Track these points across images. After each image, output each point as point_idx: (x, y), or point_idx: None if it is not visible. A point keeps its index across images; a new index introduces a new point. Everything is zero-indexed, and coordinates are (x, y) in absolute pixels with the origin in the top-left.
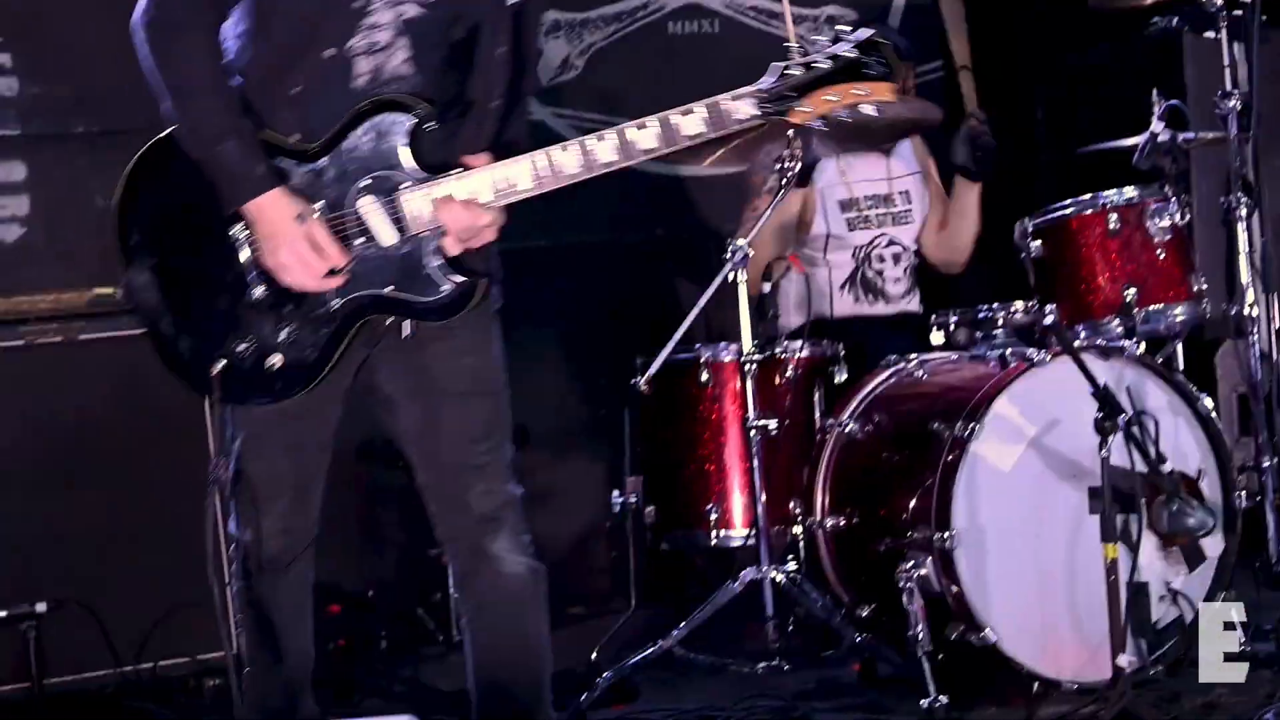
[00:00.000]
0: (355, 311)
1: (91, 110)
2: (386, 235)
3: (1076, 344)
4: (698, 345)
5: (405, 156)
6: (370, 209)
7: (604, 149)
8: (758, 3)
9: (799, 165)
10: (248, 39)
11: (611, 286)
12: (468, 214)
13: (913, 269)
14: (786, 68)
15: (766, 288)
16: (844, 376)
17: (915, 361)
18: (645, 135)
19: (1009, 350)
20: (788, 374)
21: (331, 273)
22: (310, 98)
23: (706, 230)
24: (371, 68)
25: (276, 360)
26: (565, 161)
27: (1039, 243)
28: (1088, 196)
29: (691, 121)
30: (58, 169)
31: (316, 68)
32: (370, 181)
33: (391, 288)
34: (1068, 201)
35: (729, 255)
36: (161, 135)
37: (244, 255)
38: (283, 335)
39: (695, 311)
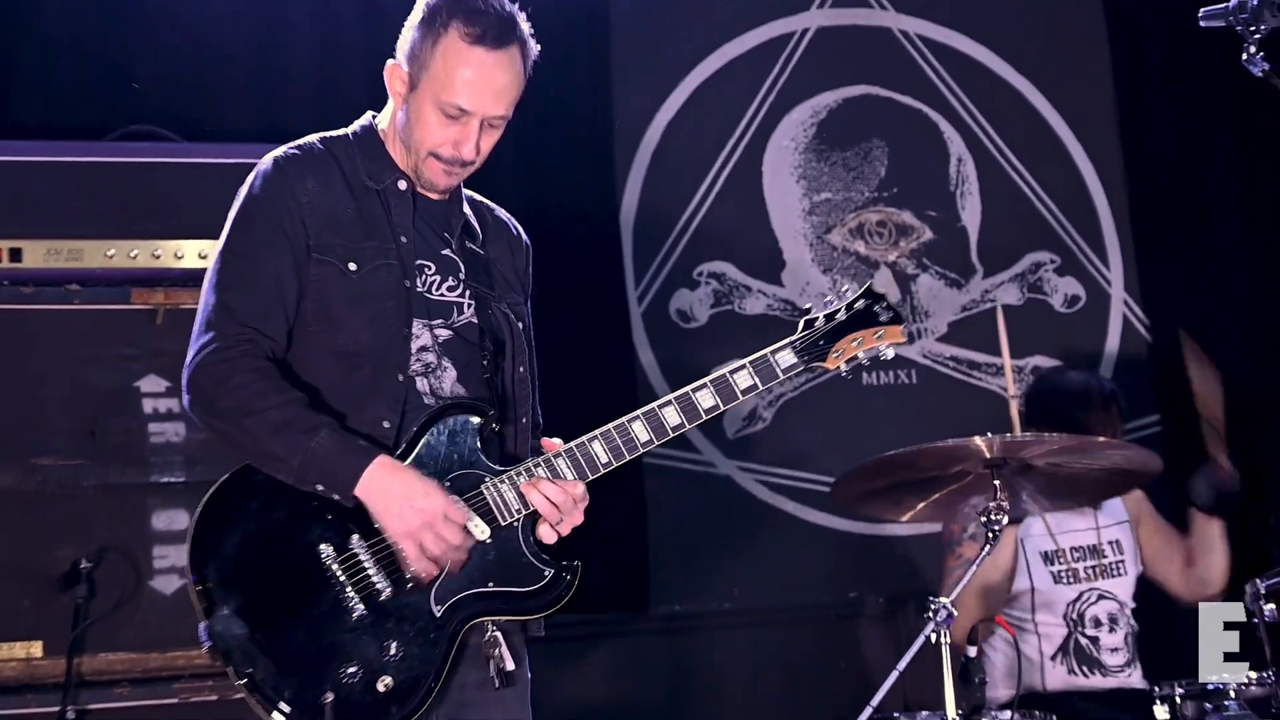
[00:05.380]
0: (461, 616)
1: None
2: (479, 530)
3: None
4: (896, 715)
5: (481, 454)
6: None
7: (669, 413)
8: (956, 353)
9: (1006, 519)
10: (321, 388)
11: (797, 652)
12: (559, 491)
13: (1133, 636)
14: (810, 320)
15: (972, 652)
16: None
17: None
18: (703, 395)
19: None
20: None
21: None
22: (399, 426)
23: (904, 592)
24: (428, 388)
25: (388, 682)
26: (637, 431)
27: (1272, 606)
28: None
29: (743, 377)
30: None
31: (394, 394)
32: (450, 481)
33: (492, 583)
34: None
35: (930, 614)
36: (226, 478)
37: (363, 557)
38: (390, 654)
39: (894, 676)
